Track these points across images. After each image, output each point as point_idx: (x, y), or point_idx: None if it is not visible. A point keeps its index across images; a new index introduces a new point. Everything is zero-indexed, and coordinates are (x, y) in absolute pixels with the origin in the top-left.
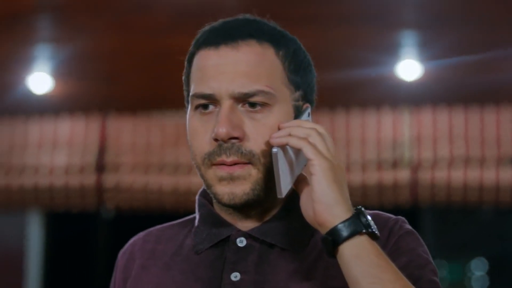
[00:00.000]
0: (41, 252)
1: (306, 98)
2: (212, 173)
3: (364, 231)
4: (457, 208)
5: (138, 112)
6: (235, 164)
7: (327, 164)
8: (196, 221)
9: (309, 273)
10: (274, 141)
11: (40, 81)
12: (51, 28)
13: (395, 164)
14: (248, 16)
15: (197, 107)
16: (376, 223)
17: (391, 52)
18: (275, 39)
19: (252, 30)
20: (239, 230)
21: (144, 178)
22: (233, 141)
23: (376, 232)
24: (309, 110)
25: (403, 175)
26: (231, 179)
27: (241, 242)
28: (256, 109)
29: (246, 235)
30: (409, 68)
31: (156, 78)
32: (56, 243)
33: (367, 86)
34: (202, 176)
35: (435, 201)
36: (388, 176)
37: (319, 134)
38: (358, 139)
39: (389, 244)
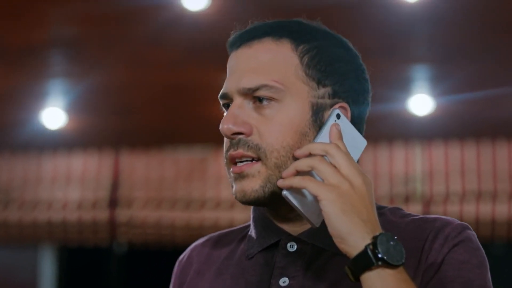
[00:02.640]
0: (53, 287)
1: (337, 96)
2: (230, 174)
3: (379, 263)
4: None
5: (151, 147)
6: (242, 157)
7: (333, 195)
8: (250, 225)
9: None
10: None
11: (53, 116)
12: (64, 63)
13: (407, 199)
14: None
15: (224, 108)
16: (433, 230)
17: (403, 86)
18: (295, 35)
19: (269, 28)
20: (290, 235)
21: (157, 213)
22: (240, 136)
23: (393, 262)
24: (337, 111)
25: (416, 209)
26: (241, 177)
27: (292, 247)
28: (264, 104)
29: (297, 239)
30: (421, 103)
31: (169, 112)
32: (69, 278)
33: (379, 121)
34: (228, 178)
35: None
36: None
37: (323, 160)
38: (371, 174)
39: (443, 253)
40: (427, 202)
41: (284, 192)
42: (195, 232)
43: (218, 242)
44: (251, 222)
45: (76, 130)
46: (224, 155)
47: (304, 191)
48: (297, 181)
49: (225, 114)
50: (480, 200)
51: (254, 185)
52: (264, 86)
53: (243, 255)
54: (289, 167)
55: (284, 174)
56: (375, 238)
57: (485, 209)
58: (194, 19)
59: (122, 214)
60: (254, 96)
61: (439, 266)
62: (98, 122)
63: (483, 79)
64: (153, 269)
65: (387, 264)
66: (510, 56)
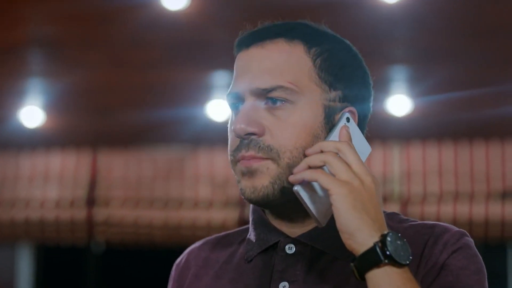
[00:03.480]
0: (31, 286)
1: (347, 100)
2: (238, 169)
3: (386, 261)
4: None
5: (129, 146)
6: (252, 158)
7: (344, 190)
8: (249, 227)
9: (360, 284)
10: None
11: (31, 114)
12: (43, 62)
13: (385, 199)
14: (298, 20)
15: (231, 108)
16: (432, 236)
17: (381, 87)
18: (308, 37)
19: (282, 29)
20: (288, 236)
21: (135, 213)
22: (252, 136)
23: (400, 261)
24: (347, 114)
25: (393, 209)
26: (250, 173)
27: (290, 249)
28: (277, 105)
29: (295, 241)
30: (399, 104)
31: (148, 112)
32: (46, 277)
33: None
34: (234, 175)
35: None
36: None
37: (336, 156)
38: None
39: (442, 259)
40: (405, 202)
41: (296, 188)
42: (172, 232)
43: (215, 246)
44: (250, 225)
45: (54, 129)
46: (230, 153)
47: (315, 187)
48: (309, 174)
49: (232, 113)
50: (457, 201)
51: (264, 181)
52: (280, 87)
53: (242, 258)
54: (301, 163)
55: (296, 169)
56: (383, 236)
57: (463, 210)
58: (173, 19)
59: (100, 213)
60: (268, 97)
61: (438, 271)
62: (76, 121)
63: (460, 80)
64: (131, 269)
65: (394, 262)
66: (487, 57)
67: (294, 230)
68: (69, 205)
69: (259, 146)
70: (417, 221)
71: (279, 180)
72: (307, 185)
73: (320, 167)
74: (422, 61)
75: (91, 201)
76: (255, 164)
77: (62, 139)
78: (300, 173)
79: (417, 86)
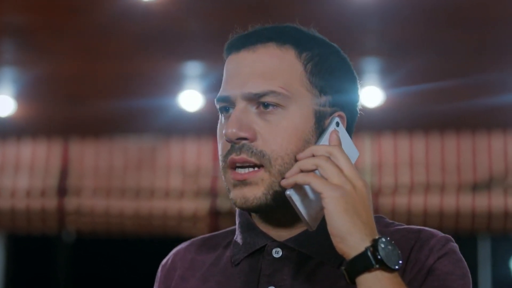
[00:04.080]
0: (1, 275)
1: (337, 105)
2: (229, 178)
3: (377, 266)
4: None
5: (100, 136)
6: (244, 162)
7: (337, 194)
8: (236, 230)
9: None
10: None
11: (2, 104)
12: (15, 51)
13: None
14: (285, 24)
15: (220, 111)
16: (418, 241)
17: None
18: (299, 42)
19: (273, 34)
20: (275, 240)
21: (106, 202)
22: (244, 141)
23: (391, 265)
24: (337, 119)
25: None
26: (243, 184)
27: (277, 253)
28: (269, 110)
29: (282, 245)
30: (370, 95)
31: (119, 102)
32: (17, 266)
33: None
34: (224, 181)
35: None
36: None
37: (328, 160)
38: None
39: (428, 264)
40: (376, 193)
41: (288, 192)
42: (144, 221)
43: (201, 247)
44: (236, 228)
45: (26, 118)
46: (221, 158)
47: (307, 191)
48: (301, 177)
49: (221, 118)
50: (428, 192)
51: (256, 192)
52: (271, 92)
53: (229, 262)
54: (293, 167)
55: (288, 173)
56: (375, 241)
57: (433, 201)
58: (145, 9)
59: (71, 203)
60: (259, 102)
61: (425, 276)
62: (47, 111)
63: (432, 72)
64: (102, 258)
65: (385, 267)
66: (459, 49)
67: (281, 234)
68: (40, 195)
69: (252, 151)
70: (402, 225)
71: (272, 190)
72: (298, 189)
73: (312, 171)
74: (394, 53)
75: (62, 191)
76: (250, 178)
77: (33, 128)
78: (293, 177)
79: (388, 78)
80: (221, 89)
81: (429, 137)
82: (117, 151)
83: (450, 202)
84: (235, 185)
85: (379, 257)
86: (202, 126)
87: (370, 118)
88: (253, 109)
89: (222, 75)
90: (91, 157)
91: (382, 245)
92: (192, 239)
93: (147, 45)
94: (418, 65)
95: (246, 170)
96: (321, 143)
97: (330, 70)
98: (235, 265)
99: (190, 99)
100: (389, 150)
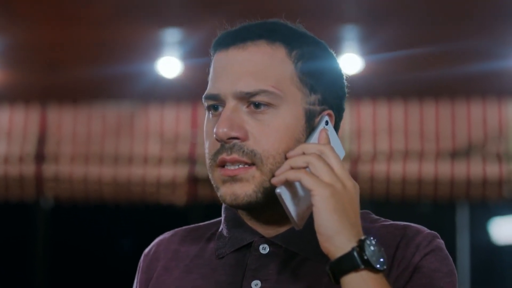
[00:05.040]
0: None
1: (326, 103)
2: (217, 175)
3: (363, 266)
4: (396, 201)
5: (78, 102)
6: (236, 162)
7: (327, 192)
8: (221, 224)
9: (331, 285)
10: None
11: None
12: None
13: None
14: (271, 20)
15: (208, 108)
16: (404, 238)
17: (332, 46)
18: (289, 39)
19: (263, 31)
20: (262, 237)
21: (84, 169)
22: (235, 141)
23: (377, 266)
24: (326, 118)
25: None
26: (234, 180)
27: (264, 249)
28: (261, 109)
29: (269, 242)
30: (349, 62)
31: (97, 68)
32: None
33: None
34: (211, 179)
35: (373, 194)
36: None
37: (320, 158)
38: None
39: (414, 262)
40: (355, 161)
41: (278, 190)
42: (122, 188)
43: (185, 238)
44: (222, 222)
45: (3, 84)
46: (210, 156)
47: (297, 189)
48: (292, 174)
49: (208, 115)
50: (407, 159)
51: (247, 189)
52: (263, 91)
53: (213, 254)
54: (283, 164)
55: (278, 171)
56: (361, 241)
57: (412, 168)
58: None
59: (49, 169)
60: (250, 101)
61: (411, 274)
62: (25, 77)
63: (411, 39)
64: (80, 224)
65: (371, 268)
66: (438, 15)
67: (268, 231)
68: (18, 161)
69: (243, 151)
70: (388, 221)
71: (263, 188)
72: (288, 187)
73: (303, 169)
74: (373, 20)
75: (40, 157)
76: (240, 174)
77: (11, 94)
78: (283, 174)
79: (367, 45)
80: (209, 86)
81: (408, 105)
82: (95, 118)
83: (429, 169)
84: (224, 181)
85: (365, 257)
86: (181, 93)
87: (349, 86)
88: (243, 108)
89: (201, 41)
90: (69, 124)
91: (369, 246)
92: (176, 229)
93: (126, 12)
94: (397, 32)
95: (237, 166)
96: (310, 142)
97: (320, 68)
98: (219, 258)
99: (169, 65)
100: (368, 117)
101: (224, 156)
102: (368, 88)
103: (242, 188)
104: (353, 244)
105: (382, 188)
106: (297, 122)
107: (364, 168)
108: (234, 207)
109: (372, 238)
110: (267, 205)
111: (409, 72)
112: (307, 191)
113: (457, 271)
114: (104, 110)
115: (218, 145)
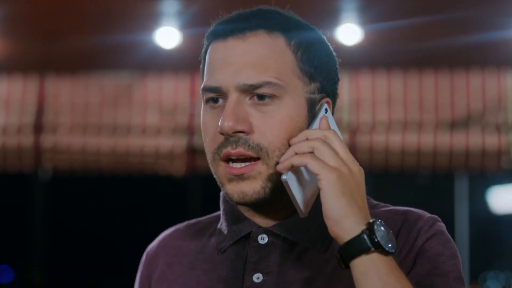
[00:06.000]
0: None
1: (324, 91)
2: (222, 172)
3: (373, 248)
4: (395, 172)
5: (76, 72)
6: (241, 156)
7: (334, 176)
8: (221, 217)
9: (334, 274)
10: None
11: None
12: None
13: None
14: (263, 6)
15: (207, 101)
16: (405, 223)
17: (331, 16)
18: (286, 28)
19: (261, 20)
20: (260, 227)
21: (82, 139)
22: (240, 134)
23: (387, 248)
24: (326, 106)
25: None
26: (241, 179)
27: (263, 239)
28: (265, 101)
29: (268, 231)
30: (348, 32)
31: (95, 38)
32: None
33: None
34: (214, 174)
35: (372, 165)
36: None
37: (324, 142)
38: None
39: (417, 246)
40: (354, 131)
41: (284, 177)
42: (120, 159)
43: (187, 234)
44: (221, 215)
45: (0, 55)
46: (214, 151)
47: (302, 175)
48: (298, 159)
49: (206, 107)
50: (406, 130)
51: (255, 186)
52: (267, 83)
53: (215, 249)
54: (288, 150)
55: (283, 157)
56: (370, 224)
57: (411, 139)
58: None
59: (47, 140)
60: (253, 93)
61: (414, 259)
62: (22, 47)
63: (410, 9)
64: (78, 195)
65: (381, 250)
66: None
67: (266, 220)
68: (16, 132)
69: (249, 145)
70: (388, 207)
71: (270, 183)
72: (293, 173)
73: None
74: None
75: (38, 128)
76: (248, 172)
77: (8, 65)
78: (288, 160)
79: (366, 15)
80: (207, 78)
81: (407, 75)
82: (93, 88)
83: (428, 140)
84: (230, 180)
85: (376, 239)
86: (179, 64)
87: (348, 56)
88: (246, 100)
89: (200, 11)
90: (67, 94)
91: (378, 228)
92: (178, 225)
93: None
94: (397, 1)
95: (242, 164)
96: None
97: (318, 56)
98: (221, 252)
99: (167, 36)
100: (367, 88)
101: (229, 150)
102: (367, 59)
103: (250, 185)
104: (362, 227)
105: (381, 159)
106: (300, 112)
107: (363, 139)
108: (242, 205)
109: (380, 221)
110: (273, 199)
111: (408, 42)
112: (312, 177)
113: (455, 241)
114: (102, 81)
115: (221, 138)
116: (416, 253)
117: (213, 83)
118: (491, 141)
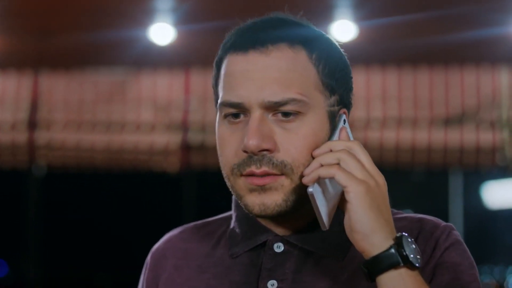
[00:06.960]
0: None
1: (342, 102)
2: (242, 184)
3: (402, 264)
4: (389, 168)
5: (71, 68)
6: (266, 175)
7: (362, 189)
8: (232, 221)
9: (349, 283)
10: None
11: None
12: None
13: None
14: (278, 15)
15: (226, 115)
16: (422, 232)
17: (325, 12)
18: (307, 41)
19: (283, 33)
20: (277, 235)
21: (76, 136)
22: (264, 152)
23: (416, 263)
24: (344, 117)
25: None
26: (262, 190)
27: (279, 247)
28: (289, 118)
29: (284, 240)
30: (343, 29)
31: (89, 34)
32: None
33: None
34: (232, 187)
35: None
36: None
37: (350, 154)
38: None
39: (435, 257)
40: None
41: (310, 189)
42: (114, 155)
43: (194, 235)
44: (234, 220)
45: None
46: (234, 167)
47: (329, 186)
48: (325, 170)
49: (223, 121)
50: (400, 127)
51: (277, 198)
52: (292, 100)
53: (226, 253)
54: (312, 162)
55: (308, 169)
56: (398, 239)
57: (406, 136)
58: None
59: (42, 137)
60: (278, 110)
61: (433, 269)
62: (17, 43)
63: (405, 5)
64: (72, 192)
65: (410, 265)
66: None
67: (282, 229)
68: (10, 128)
69: (273, 163)
70: (401, 214)
71: (292, 196)
72: (319, 185)
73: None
74: None
75: (32, 124)
76: (271, 183)
77: (2, 61)
78: (314, 171)
79: (361, 11)
80: (226, 92)
81: (402, 72)
82: (88, 84)
83: (422, 136)
84: (251, 190)
85: (404, 253)
86: (174, 60)
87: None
88: (269, 117)
89: (194, 7)
90: (61, 91)
91: (406, 243)
92: (184, 226)
93: None
94: None
95: (267, 176)
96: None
97: (337, 68)
98: (233, 257)
99: (161, 32)
100: (362, 84)
101: (253, 169)
102: (361, 55)
103: (272, 197)
104: (391, 241)
105: (376, 155)
106: (323, 126)
107: (358, 135)
108: (262, 217)
109: (407, 235)
110: (293, 210)
111: (403, 39)
112: (334, 189)
113: None
114: (96, 77)
115: (244, 155)
116: (434, 264)
117: (235, 99)
118: (486, 137)
